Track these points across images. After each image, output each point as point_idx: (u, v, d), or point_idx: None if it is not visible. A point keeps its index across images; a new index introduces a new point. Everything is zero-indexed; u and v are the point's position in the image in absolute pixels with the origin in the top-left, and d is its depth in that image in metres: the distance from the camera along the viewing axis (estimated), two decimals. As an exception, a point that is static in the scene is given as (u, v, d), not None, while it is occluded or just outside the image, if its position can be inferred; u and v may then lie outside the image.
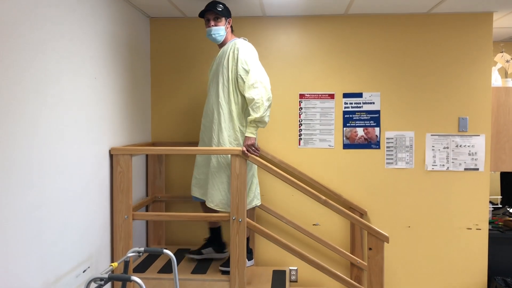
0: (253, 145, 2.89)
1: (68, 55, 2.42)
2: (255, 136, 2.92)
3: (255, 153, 2.89)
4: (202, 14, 3.04)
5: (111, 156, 2.95)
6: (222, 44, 3.09)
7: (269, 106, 2.92)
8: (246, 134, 2.92)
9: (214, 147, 3.01)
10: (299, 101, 3.74)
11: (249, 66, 2.93)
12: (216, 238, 3.37)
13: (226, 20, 3.02)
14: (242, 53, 2.95)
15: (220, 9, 2.97)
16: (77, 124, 2.51)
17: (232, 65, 2.98)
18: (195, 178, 3.20)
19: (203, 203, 3.22)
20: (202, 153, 3.05)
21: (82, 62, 2.58)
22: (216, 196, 2.99)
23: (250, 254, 3.21)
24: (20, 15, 2.00)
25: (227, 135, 3.01)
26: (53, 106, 2.26)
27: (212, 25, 2.99)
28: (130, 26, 3.35)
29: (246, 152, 2.83)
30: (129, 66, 3.31)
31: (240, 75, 2.94)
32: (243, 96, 2.99)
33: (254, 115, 2.88)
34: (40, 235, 2.16)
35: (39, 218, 2.15)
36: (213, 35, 3.01)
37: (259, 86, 2.89)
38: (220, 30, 3.00)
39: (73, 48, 2.47)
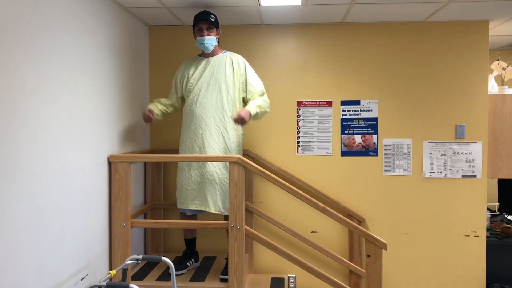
0: (245, 121, 2.91)
1: (68, 63, 2.43)
2: (252, 115, 2.98)
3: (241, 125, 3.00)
4: (195, 23, 3.10)
5: (109, 163, 2.95)
6: (210, 54, 3.18)
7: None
8: (248, 108, 2.97)
9: (212, 154, 3.02)
10: (297, 109, 3.76)
11: (256, 77, 3.22)
12: (194, 248, 3.37)
13: (216, 31, 3.13)
14: (249, 66, 3.21)
15: (213, 20, 3.08)
16: (76, 131, 2.52)
17: (237, 75, 3.15)
18: (187, 190, 3.09)
19: (191, 215, 3.23)
20: (201, 161, 3.03)
21: (82, 69, 2.59)
22: None
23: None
24: (21, 22, 2.01)
25: (233, 141, 3.09)
26: (52, 113, 2.27)
27: (206, 34, 3.07)
28: (129, 34, 3.37)
29: (237, 118, 2.88)
30: (128, 73, 3.32)
31: (251, 84, 3.17)
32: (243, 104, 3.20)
33: (263, 104, 3.13)
34: (38, 242, 2.15)
35: (38, 225, 2.15)
36: (205, 44, 3.08)
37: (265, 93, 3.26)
38: (212, 40, 3.10)
39: (73, 56, 2.48)
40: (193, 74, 3.17)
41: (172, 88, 3.33)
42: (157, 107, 3.24)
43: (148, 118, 3.10)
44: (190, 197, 3.09)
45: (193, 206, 3.09)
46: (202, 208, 3.07)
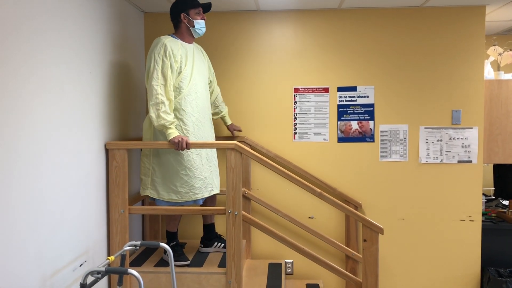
0: None
1: (63, 49, 2.42)
2: None
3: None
4: (197, 5, 3.02)
5: (106, 150, 2.95)
6: (190, 41, 3.10)
7: None
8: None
9: (211, 141, 3.07)
10: (294, 95, 3.75)
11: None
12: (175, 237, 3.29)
13: None
14: None
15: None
16: (72, 118, 2.51)
17: (208, 64, 3.34)
18: (200, 179, 3.03)
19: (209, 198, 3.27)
20: (200, 147, 3.02)
21: (77, 56, 2.58)
22: None
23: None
24: (15, 7, 2.00)
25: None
26: (48, 101, 2.26)
27: (205, 19, 3.09)
28: (125, 21, 3.34)
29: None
30: (123, 60, 3.31)
31: (213, 73, 3.43)
32: None
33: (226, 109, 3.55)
34: (36, 229, 2.16)
35: (36, 213, 2.16)
36: (203, 29, 3.08)
37: None
38: None
39: (67, 42, 2.47)
40: (186, 61, 2.99)
41: (166, 77, 2.87)
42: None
43: (187, 145, 2.85)
44: (203, 186, 3.06)
45: (206, 193, 3.09)
46: (214, 192, 3.16)
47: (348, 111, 3.73)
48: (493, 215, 3.99)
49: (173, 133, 2.83)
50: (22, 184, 2.05)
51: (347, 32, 3.70)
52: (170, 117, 2.84)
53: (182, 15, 3.01)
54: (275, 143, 3.77)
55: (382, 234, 2.80)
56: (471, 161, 3.67)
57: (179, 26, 3.06)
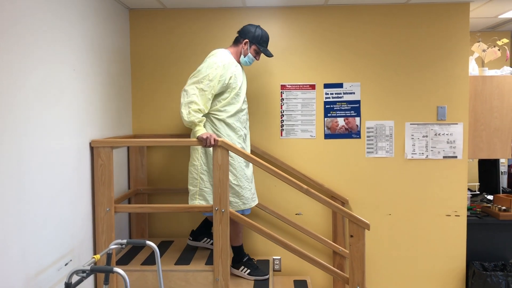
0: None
1: (47, 46, 2.38)
2: None
3: None
4: (262, 44, 3.20)
5: (91, 148, 2.92)
6: (238, 61, 3.22)
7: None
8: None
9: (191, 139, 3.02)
10: (281, 92, 3.75)
11: None
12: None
13: None
14: None
15: None
16: (56, 116, 2.48)
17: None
18: (249, 190, 3.16)
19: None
20: (188, 144, 3.03)
21: (61, 53, 2.54)
22: None
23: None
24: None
25: None
26: (32, 98, 2.23)
27: (257, 60, 3.29)
28: (110, 17, 3.31)
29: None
30: (109, 57, 3.27)
31: None
32: None
33: None
34: (21, 228, 2.13)
35: (20, 212, 2.12)
36: (249, 65, 3.28)
37: None
38: None
39: (51, 39, 2.43)
40: (239, 78, 3.14)
41: (210, 86, 2.95)
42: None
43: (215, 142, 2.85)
44: (250, 196, 3.19)
45: (253, 203, 3.23)
46: (256, 202, 3.28)
47: (335, 108, 3.74)
48: (478, 210, 4.03)
49: (201, 130, 2.91)
50: (6, 183, 2.02)
51: (333, 28, 3.70)
52: (199, 115, 2.93)
53: (245, 42, 3.17)
54: (262, 140, 3.77)
55: (369, 229, 2.81)
56: (456, 157, 3.71)
57: (237, 45, 3.21)
